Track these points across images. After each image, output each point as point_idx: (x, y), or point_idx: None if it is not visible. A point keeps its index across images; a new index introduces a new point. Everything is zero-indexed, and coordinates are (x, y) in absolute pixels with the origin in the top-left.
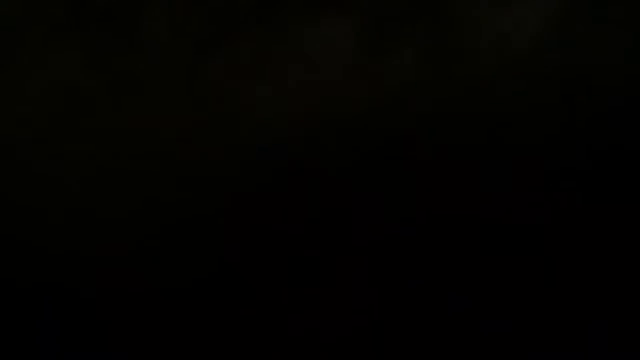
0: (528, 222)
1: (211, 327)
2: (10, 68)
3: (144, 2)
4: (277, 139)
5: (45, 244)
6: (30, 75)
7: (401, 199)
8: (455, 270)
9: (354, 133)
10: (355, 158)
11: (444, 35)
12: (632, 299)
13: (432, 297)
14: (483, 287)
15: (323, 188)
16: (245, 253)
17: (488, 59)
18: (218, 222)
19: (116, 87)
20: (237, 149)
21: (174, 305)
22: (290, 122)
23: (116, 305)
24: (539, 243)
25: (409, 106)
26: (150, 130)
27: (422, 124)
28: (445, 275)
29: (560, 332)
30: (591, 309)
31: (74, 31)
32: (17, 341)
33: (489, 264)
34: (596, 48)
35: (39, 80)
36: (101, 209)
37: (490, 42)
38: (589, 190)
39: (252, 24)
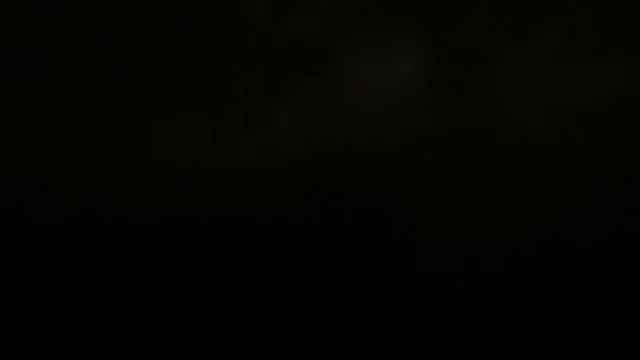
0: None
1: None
2: None
3: (57, 48)
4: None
5: None
6: None
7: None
8: None
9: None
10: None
11: (331, 87)
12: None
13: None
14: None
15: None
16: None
17: (370, 110)
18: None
19: (27, 132)
20: (148, 196)
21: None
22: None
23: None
24: None
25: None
26: (62, 174)
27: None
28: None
29: None
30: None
31: None
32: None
33: None
34: (465, 108)
35: None
36: None
37: (371, 96)
38: None
39: (164, 73)
